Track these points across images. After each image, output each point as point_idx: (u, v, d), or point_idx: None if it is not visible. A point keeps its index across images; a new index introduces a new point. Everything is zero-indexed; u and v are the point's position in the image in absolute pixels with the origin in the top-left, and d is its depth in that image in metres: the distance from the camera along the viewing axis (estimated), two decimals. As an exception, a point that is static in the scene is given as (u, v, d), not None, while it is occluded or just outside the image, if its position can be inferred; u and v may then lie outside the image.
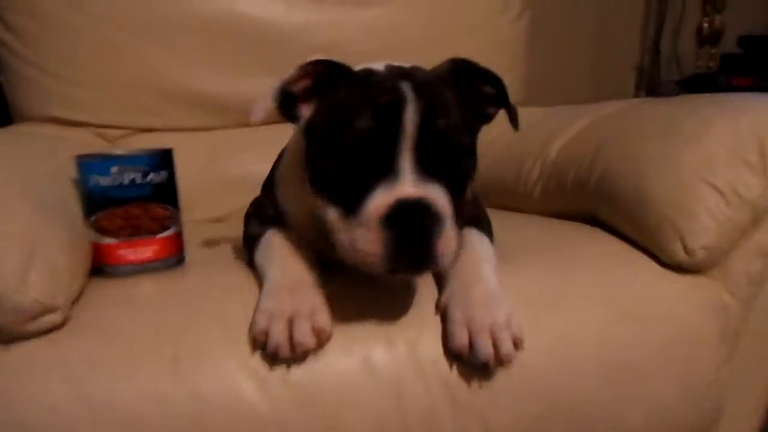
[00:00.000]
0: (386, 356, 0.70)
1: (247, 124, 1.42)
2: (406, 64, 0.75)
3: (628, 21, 2.27)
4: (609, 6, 2.20)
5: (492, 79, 0.75)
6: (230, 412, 0.65)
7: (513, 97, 1.54)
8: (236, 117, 1.40)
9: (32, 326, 0.65)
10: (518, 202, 1.20)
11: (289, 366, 0.67)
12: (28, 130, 1.24)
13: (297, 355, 0.65)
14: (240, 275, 0.80)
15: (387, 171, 0.62)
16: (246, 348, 0.68)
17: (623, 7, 2.23)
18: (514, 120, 0.77)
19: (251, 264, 0.84)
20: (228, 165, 1.38)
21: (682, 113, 0.92)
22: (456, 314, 0.69)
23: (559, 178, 1.10)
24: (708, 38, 2.18)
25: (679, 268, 0.84)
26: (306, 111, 0.72)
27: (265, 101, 0.70)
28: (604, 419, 0.76)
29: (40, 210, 0.70)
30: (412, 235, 0.61)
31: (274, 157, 1.35)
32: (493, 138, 1.37)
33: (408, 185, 0.61)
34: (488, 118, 0.78)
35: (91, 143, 1.27)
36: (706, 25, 2.18)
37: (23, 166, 0.78)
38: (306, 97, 0.72)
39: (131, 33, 1.30)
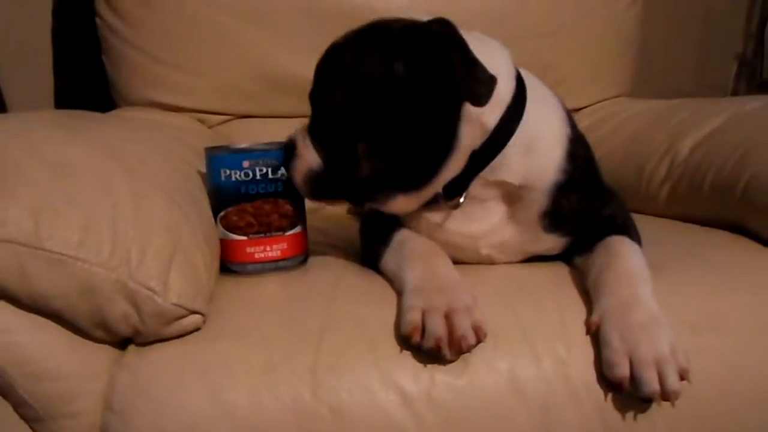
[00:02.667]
0: (534, 374, 0.65)
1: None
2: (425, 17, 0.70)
3: (733, 8, 2.13)
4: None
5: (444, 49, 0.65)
6: (374, 430, 0.61)
7: (622, 86, 1.49)
8: (338, 103, 1.36)
9: (173, 329, 0.62)
10: (639, 202, 1.12)
11: (435, 381, 0.62)
12: (132, 114, 1.23)
13: (456, 355, 0.61)
14: (366, 277, 0.77)
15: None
16: (389, 360, 0.63)
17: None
18: (471, 94, 0.64)
19: (365, 263, 0.82)
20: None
21: None
22: (614, 340, 0.62)
23: (692, 181, 1.01)
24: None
25: None
26: None
27: None
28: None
29: (176, 204, 0.68)
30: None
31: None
32: (606, 133, 1.30)
33: (301, 128, 0.78)
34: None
35: (193, 128, 1.25)
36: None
37: (152, 158, 0.75)
38: None
39: (237, 18, 1.27)
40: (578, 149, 0.77)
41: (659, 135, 1.13)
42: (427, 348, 0.61)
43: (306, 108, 1.32)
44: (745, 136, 0.94)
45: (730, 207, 0.92)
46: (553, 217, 0.76)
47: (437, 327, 0.60)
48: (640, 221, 0.84)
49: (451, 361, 0.63)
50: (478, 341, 0.62)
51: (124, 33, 1.26)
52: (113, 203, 0.62)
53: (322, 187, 0.74)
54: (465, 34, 0.67)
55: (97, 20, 1.29)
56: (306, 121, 0.78)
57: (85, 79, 1.50)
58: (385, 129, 0.69)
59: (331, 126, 0.73)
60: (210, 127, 1.32)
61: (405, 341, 0.63)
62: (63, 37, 1.51)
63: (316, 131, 0.75)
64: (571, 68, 1.43)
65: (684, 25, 2.06)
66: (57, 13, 1.49)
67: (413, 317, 0.62)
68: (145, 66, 1.28)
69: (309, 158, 0.74)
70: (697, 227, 0.97)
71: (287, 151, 0.76)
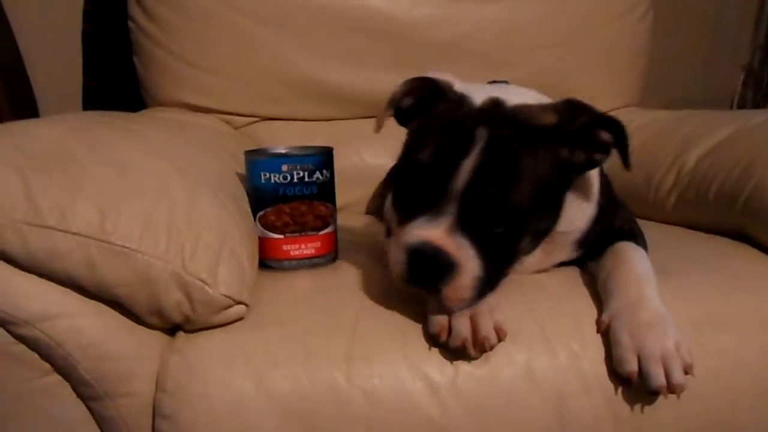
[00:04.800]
0: (549, 366, 0.70)
1: (366, 116, 1.44)
2: (520, 99, 0.72)
3: (740, 18, 2.17)
4: (722, 2, 2.11)
5: (612, 125, 0.71)
6: (402, 414, 0.67)
7: (631, 97, 1.54)
8: (357, 108, 1.42)
9: (220, 317, 0.68)
10: (647, 210, 1.17)
11: (459, 371, 0.68)
12: (162, 115, 1.29)
13: (480, 353, 0.67)
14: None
15: (432, 207, 0.66)
16: (417, 351, 0.69)
17: (736, 2, 2.13)
18: (627, 161, 0.71)
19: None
20: (347, 156, 1.40)
21: None
22: (624, 338, 0.68)
23: (698, 190, 1.06)
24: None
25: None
26: (412, 125, 0.76)
27: (380, 114, 0.77)
28: (767, 447, 0.74)
29: (222, 203, 0.73)
30: (421, 275, 0.66)
31: (393, 151, 1.37)
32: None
33: (440, 230, 0.65)
34: (593, 166, 0.74)
35: (222, 129, 1.31)
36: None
37: (198, 159, 0.81)
38: (412, 112, 0.76)
39: (265, 24, 1.33)
40: (604, 178, 0.82)
41: (667, 146, 1.18)
42: (453, 346, 0.66)
43: (327, 111, 1.39)
44: (749, 149, 0.99)
45: (733, 216, 0.97)
46: (580, 242, 0.82)
47: (463, 328, 0.66)
48: (649, 227, 0.90)
49: (475, 358, 0.68)
50: (500, 340, 0.67)
51: (156, 36, 1.32)
52: (169, 201, 0.68)
53: (483, 286, 0.67)
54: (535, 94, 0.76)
55: (130, 23, 1.35)
56: (429, 226, 0.66)
57: (115, 79, 1.56)
58: (550, 215, 0.73)
59: (501, 224, 0.67)
60: (236, 128, 1.37)
61: (433, 339, 0.68)
62: (94, 39, 1.57)
63: (471, 230, 0.65)
64: (583, 78, 1.48)
65: (692, 36, 2.09)
66: (88, 15, 1.55)
67: (441, 318, 0.67)
68: (176, 68, 1.34)
69: (471, 266, 0.65)
70: (701, 234, 1.02)
71: (429, 264, 0.65)
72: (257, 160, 0.80)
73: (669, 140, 1.19)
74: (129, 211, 0.65)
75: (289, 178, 0.80)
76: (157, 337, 0.70)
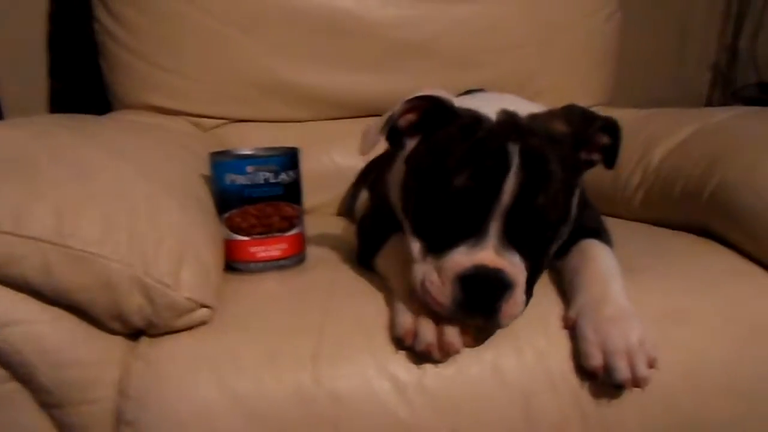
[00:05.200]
0: (516, 364, 0.70)
1: (337, 117, 1.44)
2: (524, 109, 0.72)
3: (707, 19, 2.21)
4: (690, 3, 2.14)
5: (611, 128, 0.73)
6: (369, 415, 0.67)
7: (600, 97, 1.56)
8: (328, 109, 1.41)
9: (184, 321, 0.67)
10: (615, 207, 1.18)
11: (425, 371, 0.68)
12: (130, 117, 1.27)
13: (445, 357, 0.67)
14: (362, 274, 0.82)
15: (474, 232, 0.64)
16: (384, 351, 0.69)
17: (704, 3, 2.17)
18: (614, 162, 0.75)
19: (361, 262, 0.87)
20: (317, 157, 1.39)
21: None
22: (589, 333, 0.68)
23: (664, 187, 1.08)
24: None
25: (802, 287, 0.82)
26: (410, 143, 0.73)
27: (373, 135, 0.70)
28: (730, 439, 0.75)
29: (185, 205, 0.73)
30: (481, 300, 0.63)
31: (364, 151, 1.37)
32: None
33: (490, 252, 0.63)
34: (591, 165, 0.76)
35: (191, 132, 1.29)
36: (789, 26, 2.10)
37: (159, 160, 0.80)
38: (411, 131, 0.73)
39: (231, 25, 1.31)
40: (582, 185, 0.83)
41: (633, 144, 1.20)
42: (419, 351, 0.66)
43: (297, 112, 1.39)
44: (711, 147, 1.01)
45: (698, 212, 0.98)
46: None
47: (428, 333, 0.66)
48: (616, 225, 0.91)
49: (440, 362, 0.68)
50: (464, 346, 0.67)
51: (121, 38, 1.30)
52: (130, 205, 0.67)
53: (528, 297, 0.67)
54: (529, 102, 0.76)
55: (95, 25, 1.32)
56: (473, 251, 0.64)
57: (81, 81, 1.53)
58: (570, 217, 0.73)
59: (546, 233, 0.69)
60: (205, 130, 1.36)
61: (398, 342, 0.68)
62: (59, 41, 1.54)
63: (516, 244, 0.65)
64: (552, 78, 1.49)
65: (661, 37, 2.13)
66: (53, 17, 1.53)
67: (405, 321, 0.67)
68: (142, 70, 1.31)
69: (522, 280, 0.65)
70: (667, 231, 1.03)
71: (488, 289, 0.63)
72: (221, 161, 0.79)
73: (635, 139, 1.21)
74: (88, 215, 0.63)
75: (254, 179, 0.79)
76: (120, 343, 0.69)
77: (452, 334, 0.66)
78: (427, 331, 0.66)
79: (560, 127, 0.71)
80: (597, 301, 0.71)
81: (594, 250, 0.79)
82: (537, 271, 0.69)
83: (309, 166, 1.36)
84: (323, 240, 1.00)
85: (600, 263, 0.77)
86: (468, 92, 0.91)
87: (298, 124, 1.43)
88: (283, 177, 0.81)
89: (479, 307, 0.64)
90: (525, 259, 0.66)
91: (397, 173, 0.81)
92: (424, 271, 0.66)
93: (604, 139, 0.74)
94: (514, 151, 0.64)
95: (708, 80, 2.29)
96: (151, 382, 0.65)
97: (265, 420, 0.65)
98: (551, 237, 0.69)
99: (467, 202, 0.64)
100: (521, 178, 0.63)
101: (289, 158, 0.82)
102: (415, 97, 0.70)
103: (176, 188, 0.75)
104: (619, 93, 1.66)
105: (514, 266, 0.64)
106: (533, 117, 0.71)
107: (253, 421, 0.65)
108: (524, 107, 0.73)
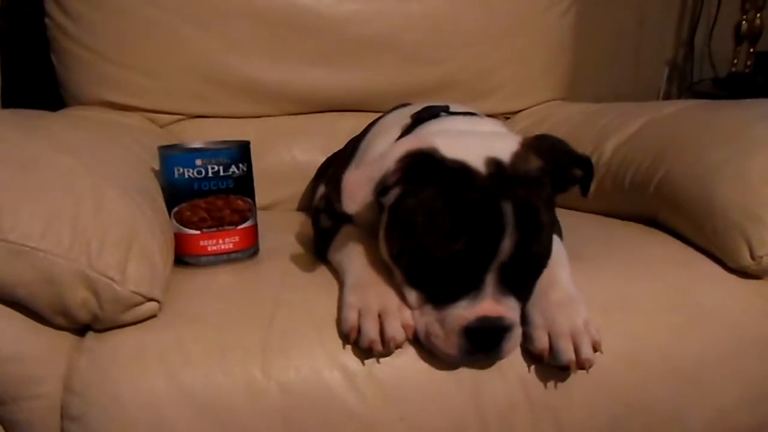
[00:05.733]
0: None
1: (296, 113, 1.44)
2: (498, 145, 0.71)
3: (664, 15, 2.25)
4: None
5: (583, 163, 0.75)
6: (319, 405, 0.67)
7: (558, 91, 1.58)
8: (286, 105, 1.41)
9: (130, 315, 0.67)
10: (569, 199, 1.18)
11: (375, 360, 0.69)
12: (83, 113, 1.25)
13: (389, 351, 0.67)
14: (314, 267, 0.83)
15: (473, 288, 0.66)
16: (332, 341, 0.69)
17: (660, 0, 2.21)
18: (587, 192, 0.78)
19: (318, 254, 0.87)
20: (276, 152, 1.39)
21: (749, 117, 0.93)
22: (536, 318, 0.70)
23: (614, 179, 1.10)
24: (746, 36, 2.16)
25: (743, 274, 0.84)
26: (394, 191, 0.70)
27: (363, 191, 0.67)
28: (673, 422, 0.77)
29: (132, 199, 0.72)
30: (486, 347, 0.67)
31: (323, 147, 1.37)
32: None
33: (489, 301, 0.66)
34: (563, 191, 0.77)
35: (145, 127, 1.28)
36: (744, 23, 2.16)
37: (110, 156, 0.79)
38: (395, 182, 0.70)
39: (185, 19, 1.30)
40: None
41: (586, 137, 1.22)
42: (362, 346, 0.67)
43: (255, 108, 1.38)
44: (659, 139, 1.04)
45: (646, 203, 1.01)
46: None
47: (370, 330, 0.67)
48: (567, 215, 0.93)
49: (385, 355, 0.69)
50: (407, 339, 0.68)
51: (74, 33, 1.28)
52: (74, 198, 0.66)
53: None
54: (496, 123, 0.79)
55: (47, 20, 1.30)
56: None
57: (33, 78, 1.50)
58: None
59: (537, 275, 0.71)
60: (161, 126, 1.34)
61: (345, 338, 0.69)
62: (10, 37, 1.51)
63: (511, 288, 0.67)
64: (508, 73, 1.51)
65: (619, 33, 2.16)
66: (4, 12, 1.49)
67: (350, 318, 0.68)
68: (96, 65, 1.30)
69: (518, 318, 0.69)
70: (617, 221, 1.06)
71: (492, 336, 0.66)
72: (170, 155, 0.79)
73: (588, 132, 1.23)
74: (29, 209, 0.62)
75: (203, 172, 0.79)
76: (66, 338, 0.68)
77: (394, 328, 0.67)
78: (370, 327, 0.67)
79: (536, 163, 0.71)
80: (544, 287, 0.73)
81: None
82: (527, 300, 0.71)
83: (269, 162, 1.38)
84: (279, 234, 1.00)
85: None
86: (427, 108, 0.89)
87: (257, 119, 1.42)
88: (234, 170, 0.81)
89: (484, 351, 0.67)
90: (519, 299, 0.69)
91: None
92: (426, 322, 0.68)
93: (577, 173, 0.75)
94: (508, 210, 0.65)
95: (665, 77, 2.33)
96: (96, 377, 0.65)
97: (214, 412, 0.65)
98: (540, 273, 0.71)
99: (466, 264, 0.65)
100: (517, 236, 0.65)
101: (240, 151, 0.82)
102: (407, 155, 0.67)
103: (124, 182, 0.74)
104: (577, 88, 1.68)
105: (511, 310, 0.67)
106: (513, 159, 0.70)
107: (202, 414, 0.65)
108: (502, 144, 0.72)
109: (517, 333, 0.68)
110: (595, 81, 1.99)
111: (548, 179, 0.72)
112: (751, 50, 2.15)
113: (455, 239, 0.64)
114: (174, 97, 1.34)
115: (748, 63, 2.16)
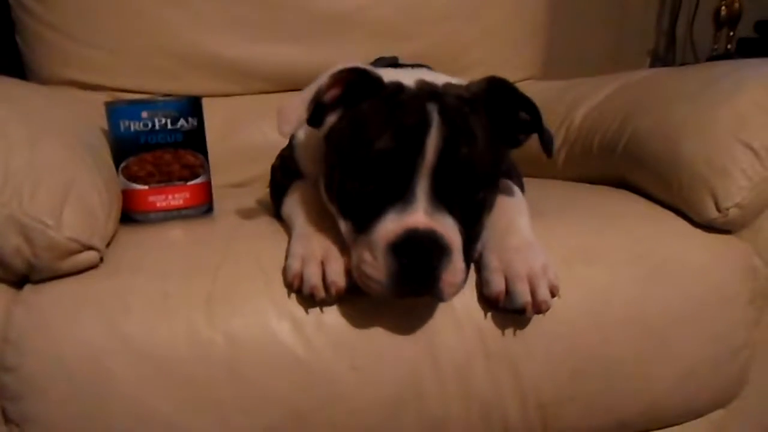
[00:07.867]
0: (418, 302, 0.69)
1: (266, 91, 1.41)
2: (440, 80, 0.73)
3: (646, 5, 2.25)
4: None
5: (527, 105, 0.71)
6: (266, 354, 0.65)
7: (532, 70, 1.57)
8: (256, 83, 1.39)
9: (68, 264, 0.64)
10: (541, 169, 1.18)
11: (322, 308, 0.67)
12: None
13: (331, 296, 0.65)
14: (268, 223, 0.81)
15: (401, 195, 0.61)
16: (280, 290, 0.67)
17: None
18: (548, 147, 0.73)
19: (278, 216, 0.84)
20: (248, 131, 1.37)
21: (715, 75, 0.91)
22: (492, 261, 0.68)
23: (584, 144, 1.09)
24: (725, 22, 2.16)
25: (709, 228, 0.83)
26: (331, 118, 0.70)
27: (297, 112, 0.66)
28: (636, 377, 0.75)
29: (71, 148, 0.70)
30: (417, 267, 0.59)
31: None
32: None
33: (420, 214, 0.60)
34: (518, 144, 0.75)
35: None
36: (723, 8, 2.16)
37: (52, 109, 0.77)
38: (333, 105, 0.70)
39: (151, -4, 1.28)
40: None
41: (559, 107, 1.21)
42: (305, 294, 0.65)
43: (224, 86, 1.36)
44: (628, 101, 1.02)
45: (613, 164, 0.99)
46: None
47: (312, 276, 0.64)
48: (535, 182, 0.91)
49: (329, 303, 0.66)
50: (350, 284, 0.65)
51: (38, 12, 1.26)
52: (7, 144, 0.64)
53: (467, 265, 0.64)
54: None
55: (11, 0, 1.28)
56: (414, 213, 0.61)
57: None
58: (498, 180, 0.72)
59: (477, 188, 0.66)
60: (128, 105, 1.32)
61: (290, 286, 0.67)
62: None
63: (447, 205, 0.62)
64: (483, 51, 1.49)
65: (600, 23, 2.16)
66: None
67: (293, 266, 0.66)
68: (60, 44, 1.27)
69: (459, 245, 0.62)
70: (585, 185, 1.04)
71: (422, 256, 0.59)
72: (115, 107, 0.77)
73: (559, 103, 1.22)
74: (-42, 153, 0.60)
75: (150, 125, 0.77)
76: (3, 291, 0.66)
77: (335, 273, 0.64)
78: (312, 273, 0.65)
79: (471, 90, 0.70)
80: (502, 233, 0.71)
81: (502, 186, 0.79)
82: (473, 239, 0.66)
83: (240, 140, 1.37)
84: (239, 199, 0.98)
85: (507, 199, 0.77)
86: (380, 59, 0.90)
87: (228, 98, 1.40)
88: (183, 123, 0.79)
89: (417, 277, 0.60)
90: (458, 222, 0.63)
91: (311, 149, 0.80)
92: (356, 250, 0.63)
93: (524, 116, 0.72)
94: (432, 109, 0.63)
95: (647, 65, 2.33)
96: (32, 327, 0.63)
97: (156, 362, 0.63)
98: (482, 199, 0.66)
99: (391, 163, 0.61)
100: (443, 132, 0.62)
101: (189, 104, 0.80)
102: (341, 70, 0.66)
103: (62, 132, 0.72)
104: (557, 76, 1.68)
105: (447, 228, 0.61)
106: (449, 85, 0.71)
107: (143, 362, 0.63)
108: (443, 78, 0.73)
109: (459, 263, 0.61)
110: (574, 73, 1.97)
111: (485, 108, 0.69)
112: (731, 34, 2.15)
113: (379, 137, 0.62)
114: (140, 75, 1.31)
115: (729, 47, 2.15)
